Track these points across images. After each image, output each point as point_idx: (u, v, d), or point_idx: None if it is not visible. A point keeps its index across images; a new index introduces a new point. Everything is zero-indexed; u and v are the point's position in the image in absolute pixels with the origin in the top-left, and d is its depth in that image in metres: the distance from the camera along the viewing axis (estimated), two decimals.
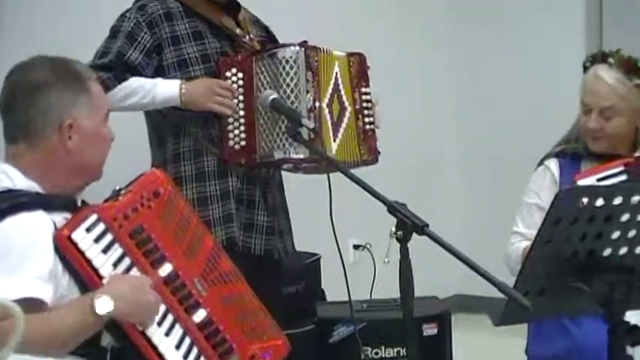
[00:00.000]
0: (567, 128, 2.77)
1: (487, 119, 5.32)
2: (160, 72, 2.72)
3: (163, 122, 2.78)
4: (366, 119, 2.84)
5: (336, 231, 2.64)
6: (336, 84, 2.78)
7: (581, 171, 2.65)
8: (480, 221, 5.18)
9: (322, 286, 3.83)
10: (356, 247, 4.46)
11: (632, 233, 1.95)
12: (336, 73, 2.78)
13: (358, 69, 2.86)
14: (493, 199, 5.09)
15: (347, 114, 2.80)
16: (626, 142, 2.64)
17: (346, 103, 2.81)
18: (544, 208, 2.56)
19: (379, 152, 2.89)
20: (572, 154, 2.69)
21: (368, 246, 4.27)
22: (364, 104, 2.84)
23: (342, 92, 2.80)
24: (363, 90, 2.85)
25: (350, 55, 2.86)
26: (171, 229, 2.09)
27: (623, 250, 1.97)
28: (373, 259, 4.13)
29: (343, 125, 2.78)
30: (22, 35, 3.38)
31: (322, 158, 2.57)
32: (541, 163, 2.75)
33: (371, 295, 3.88)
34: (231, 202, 2.73)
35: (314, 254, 3.76)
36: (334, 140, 2.73)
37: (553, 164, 2.70)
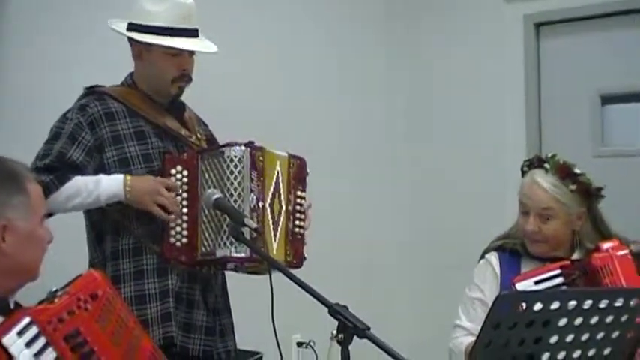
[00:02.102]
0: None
1: (429, 217, 5.39)
2: (101, 170, 2.71)
3: (103, 220, 2.76)
4: (297, 222, 2.84)
5: (280, 328, 2.61)
6: (277, 183, 2.79)
7: (520, 268, 2.70)
8: (425, 319, 5.17)
9: None
10: (299, 344, 4.42)
11: (569, 337, 1.97)
12: (278, 173, 2.80)
13: (297, 172, 2.87)
14: (437, 297, 5.10)
15: (282, 214, 2.81)
16: (565, 245, 2.70)
17: (283, 203, 2.82)
18: (487, 303, 2.60)
19: (305, 258, 2.85)
20: (511, 250, 2.74)
21: (311, 343, 4.24)
22: (297, 207, 2.85)
23: (281, 192, 2.82)
24: (299, 194, 2.86)
25: (291, 157, 2.88)
26: (108, 332, 2.04)
27: (561, 355, 1.99)
28: (317, 357, 4.11)
29: (280, 226, 2.79)
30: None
31: (263, 258, 2.56)
32: (482, 256, 2.80)
33: None
34: (170, 300, 2.70)
35: (256, 352, 3.71)
36: (275, 240, 2.74)
37: (494, 258, 2.76)
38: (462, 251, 4.18)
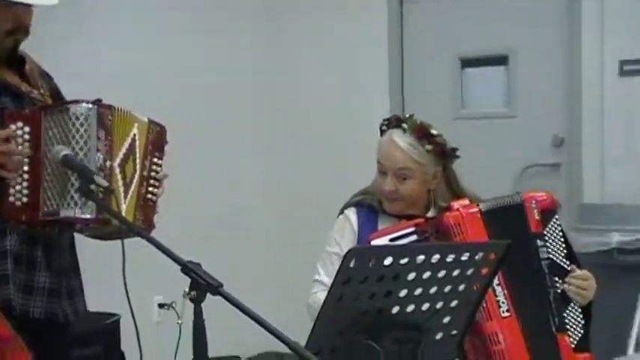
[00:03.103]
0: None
1: (293, 170, 5.45)
2: None
3: None
4: (150, 189, 2.78)
5: (140, 289, 2.58)
6: (132, 145, 2.71)
7: (377, 224, 2.73)
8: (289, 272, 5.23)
9: (121, 348, 3.74)
10: (161, 305, 4.39)
11: (418, 291, 2.00)
12: (134, 135, 2.72)
13: (156, 139, 2.80)
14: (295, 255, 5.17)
15: (136, 177, 2.76)
16: (420, 203, 2.74)
17: (138, 167, 2.77)
18: None
19: (154, 226, 2.78)
20: (369, 206, 2.77)
21: (173, 305, 4.21)
22: (152, 174, 2.79)
23: (137, 156, 2.76)
24: (155, 160, 2.80)
25: (151, 122, 2.80)
26: None
27: (411, 308, 2.01)
28: (178, 317, 4.08)
29: (132, 188, 2.73)
30: None
31: (113, 216, 2.50)
32: (341, 211, 2.82)
33: (175, 356, 3.81)
34: (7, 262, 2.61)
35: (113, 314, 3.67)
36: (124, 202, 2.67)
37: (352, 214, 2.78)
38: (319, 207, 4.25)
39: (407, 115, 2.77)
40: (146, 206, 2.75)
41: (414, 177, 2.68)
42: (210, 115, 5.07)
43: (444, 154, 2.72)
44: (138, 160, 2.73)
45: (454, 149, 2.74)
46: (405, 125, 2.70)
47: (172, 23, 4.99)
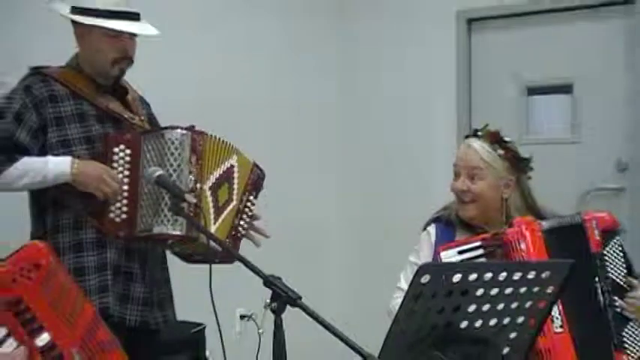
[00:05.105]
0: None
1: (375, 182, 5.44)
2: (45, 150, 2.68)
3: (44, 195, 2.73)
4: (242, 222, 2.85)
5: (224, 301, 2.62)
6: (228, 174, 2.78)
7: (454, 237, 2.73)
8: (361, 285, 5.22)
9: (207, 355, 3.77)
10: (242, 316, 4.43)
11: (486, 307, 1.99)
12: (231, 166, 2.79)
13: (256, 180, 2.90)
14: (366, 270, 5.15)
15: (231, 206, 2.80)
16: (494, 213, 2.72)
17: (234, 197, 2.81)
18: None
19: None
20: (447, 220, 2.78)
21: (253, 316, 4.24)
22: (246, 210, 2.86)
23: (235, 186, 2.80)
24: (251, 199, 2.88)
25: (256, 165, 2.91)
26: (50, 300, 2.03)
27: (479, 323, 2.00)
28: (258, 328, 4.11)
29: (225, 213, 2.78)
30: None
31: (201, 232, 2.56)
32: (425, 227, 2.84)
33: None
34: (107, 273, 2.68)
35: (199, 324, 3.71)
36: (214, 223, 2.72)
37: (432, 229, 2.80)
38: (390, 227, 4.23)
39: (482, 126, 2.78)
40: (235, 237, 2.81)
41: (485, 178, 2.68)
42: (285, 130, 5.05)
43: (516, 161, 2.71)
44: (235, 192, 2.80)
45: (527, 159, 2.73)
46: (480, 133, 2.73)
47: (249, 37, 4.91)
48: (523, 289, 2.03)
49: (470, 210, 2.71)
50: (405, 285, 2.72)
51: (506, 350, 2.10)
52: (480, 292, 1.97)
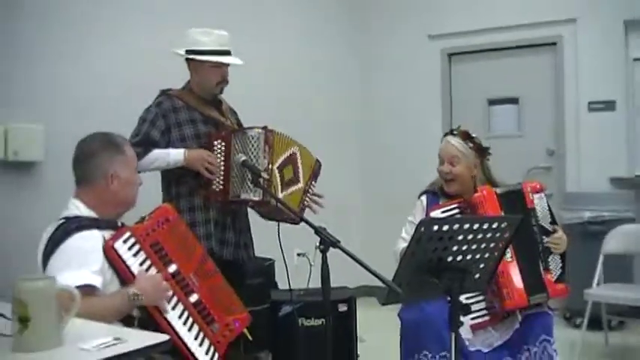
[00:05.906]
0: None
1: (384, 166, 5.40)
2: (169, 144, 2.70)
3: (169, 174, 2.75)
4: (306, 198, 2.81)
5: (287, 244, 2.63)
6: (293, 159, 2.73)
7: (439, 202, 2.68)
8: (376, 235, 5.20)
9: (275, 279, 3.80)
10: (299, 254, 4.42)
11: (464, 247, 1.97)
12: (294, 153, 2.74)
13: (316, 170, 2.85)
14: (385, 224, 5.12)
15: (298, 185, 2.76)
16: (468, 187, 2.67)
17: (301, 179, 2.77)
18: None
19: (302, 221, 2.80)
20: (434, 192, 2.74)
21: (306, 254, 4.24)
22: (309, 190, 2.82)
23: (300, 170, 2.75)
24: (313, 183, 2.84)
25: (317, 160, 2.86)
26: (176, 242, 2.07)
27: (459, 258, 1.98)
28: (309, 263, 4.12)
29: (291, 189, 2.73)
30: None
31: (271, 196, 2.57)
32: (419, 197, 2.80)
33: (308, 286, 3.85)
34: (211, 225, 2.69)
35: (270, 259, 3.73)
36: (280, 192, 2.72)
37: (423, 198, 2.75)
38: (401, 196, 4.20)
39: (456, 127, 2.74)
40: (302, 208, 2.79)
41: (461, 163, 2.63)
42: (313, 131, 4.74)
43: (480, 149, 2.66)
44: (301, 175, 2.74)
45: (487, 148, 2.70)
46: (455, 132, 2.69)
47: (285, 41, 4.67)
48: (489, 235, 2.00)
49: (452, 186, 2.67)
50: (405, 235, 2.69)
51: (477, 275, 2.10)
52: (460, 237, 1.95)
